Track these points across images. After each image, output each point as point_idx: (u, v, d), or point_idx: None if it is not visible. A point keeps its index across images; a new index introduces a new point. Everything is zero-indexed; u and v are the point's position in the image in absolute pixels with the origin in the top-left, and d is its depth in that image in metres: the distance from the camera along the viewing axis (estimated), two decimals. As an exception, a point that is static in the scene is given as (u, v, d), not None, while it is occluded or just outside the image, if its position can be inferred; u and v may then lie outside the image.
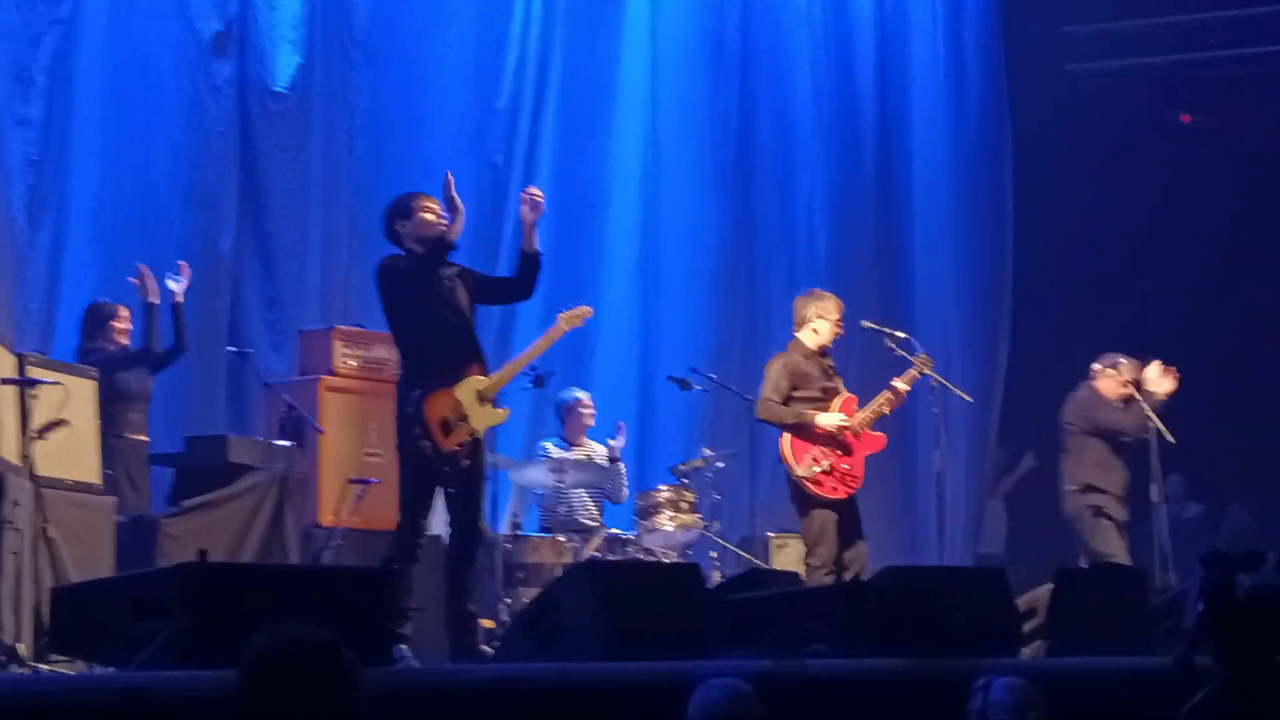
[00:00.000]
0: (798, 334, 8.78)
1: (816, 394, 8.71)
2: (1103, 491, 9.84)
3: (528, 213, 7.62)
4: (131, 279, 9.12)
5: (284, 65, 10.99)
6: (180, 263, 9.27)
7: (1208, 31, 13.96)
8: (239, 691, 3.27)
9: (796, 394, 8.67)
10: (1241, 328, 13.32)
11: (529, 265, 7.68)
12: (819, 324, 8.73)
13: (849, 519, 8.64)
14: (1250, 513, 13.14)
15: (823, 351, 8.79)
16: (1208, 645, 3.44)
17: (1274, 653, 3.32)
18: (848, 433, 8.64)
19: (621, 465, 10.33)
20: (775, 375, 8.68)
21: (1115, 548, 9.71)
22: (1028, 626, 7.67)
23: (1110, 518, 9.83)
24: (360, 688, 3.26)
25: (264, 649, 3.29)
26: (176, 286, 9.13)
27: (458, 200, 7.42)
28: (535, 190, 7.74)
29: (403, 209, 7.56)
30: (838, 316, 8.76)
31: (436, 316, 7.45)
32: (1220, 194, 13.74)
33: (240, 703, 3.27)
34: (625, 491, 10.37)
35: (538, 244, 7.67)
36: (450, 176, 7.45)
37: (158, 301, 9.09)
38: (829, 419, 8.62)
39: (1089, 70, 14.00)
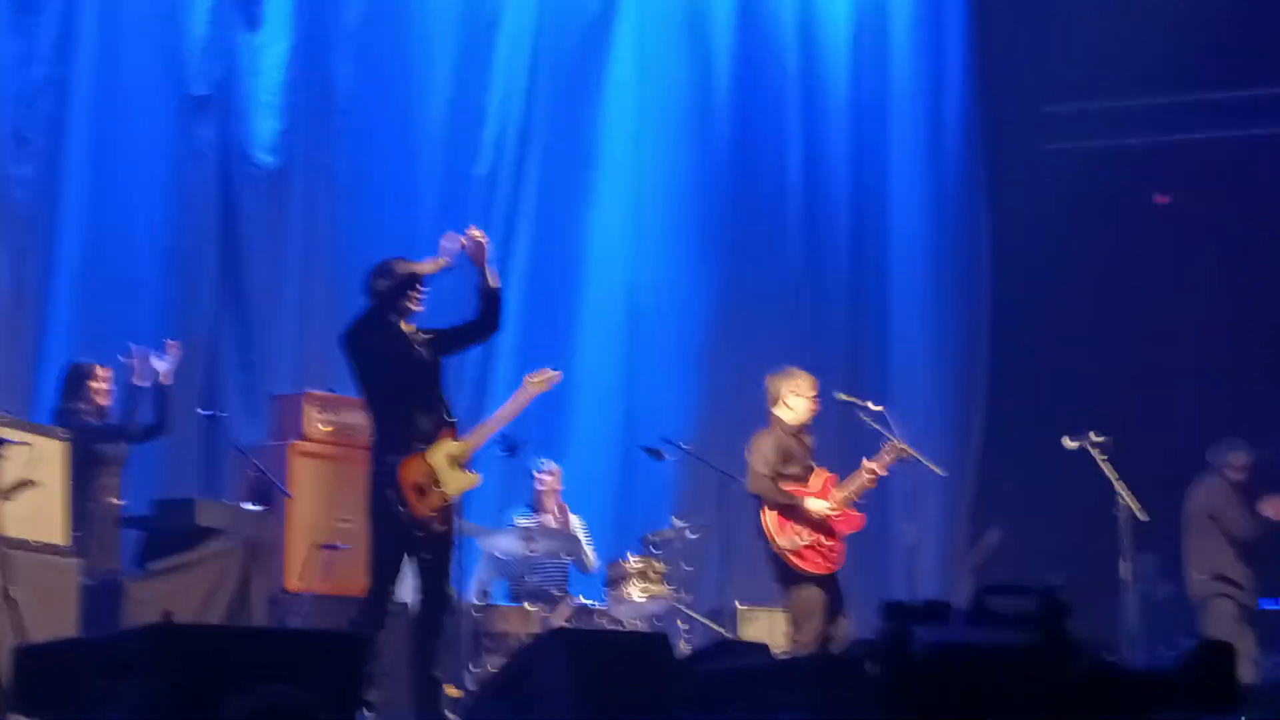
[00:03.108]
0: (774, 411, 8.77)
1: (798, 471, 8.71)
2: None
3: (476, 253, 7.57)
4: (122, 357, 9.06)
5: (265, 131, 11.04)
6: (169, 342, 9.20)
7: (1187, 114, 14.06)
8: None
9: (781, 471, 8.65)
10: (1217, 409, 13.33)
11: (491, 302, 7.66)
12: (793, 400, 8.71)
13: (833, 596, 8.61)
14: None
15: (802, 429, 8.79)
16: (882, 709, 2.89)
17: (955, 718, 2.79)
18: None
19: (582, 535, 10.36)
20: (766, 450, 8.66)
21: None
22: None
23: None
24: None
25: (240, 712, 3.26)
26: (162, 366, 9.05)
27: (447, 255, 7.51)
28: (473, 231, 7.66)
29: (385, 271, 7.56)
30: (814, 393, 8.74)
31: (408, 380, 7.45)
32: (1198, 275, 13.78)
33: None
34: (593, 559, 10.39)
35: (495, 279, 7.66)
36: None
37: (145, 384, 9.02)
38: (818, 505, 8.59)
39: (1068, 150, 14.07)
